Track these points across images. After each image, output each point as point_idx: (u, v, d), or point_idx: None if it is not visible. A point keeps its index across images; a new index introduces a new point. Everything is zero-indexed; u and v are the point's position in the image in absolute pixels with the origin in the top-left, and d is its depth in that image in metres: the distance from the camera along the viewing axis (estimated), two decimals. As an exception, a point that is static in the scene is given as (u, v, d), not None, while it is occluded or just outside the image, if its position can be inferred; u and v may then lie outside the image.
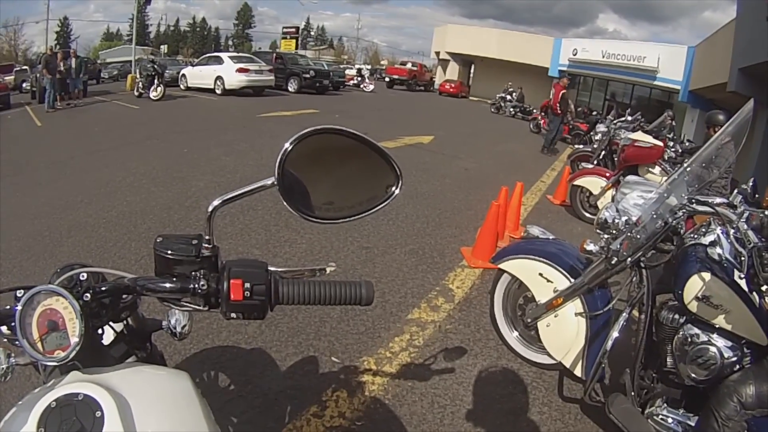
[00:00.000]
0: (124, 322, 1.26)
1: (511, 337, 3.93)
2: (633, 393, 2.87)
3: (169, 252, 1.11)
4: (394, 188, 1.17)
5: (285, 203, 1.08)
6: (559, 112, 14.33)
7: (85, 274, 1.08)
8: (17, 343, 1.06)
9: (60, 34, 60.49)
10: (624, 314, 2.96)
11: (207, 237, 1.11)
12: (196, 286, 1.08)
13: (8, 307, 1.07)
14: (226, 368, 3.33)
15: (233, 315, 1.09)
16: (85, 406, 0.90)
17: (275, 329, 3.92)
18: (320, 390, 3.26)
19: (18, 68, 35.53)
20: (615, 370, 3.15)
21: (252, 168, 8.97)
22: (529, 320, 3.59)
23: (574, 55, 38.16)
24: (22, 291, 1.04)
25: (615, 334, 2.92)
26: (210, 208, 1.09)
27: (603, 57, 35.99)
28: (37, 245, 6.04)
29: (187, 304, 1.13)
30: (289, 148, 1.07)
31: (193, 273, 1.10)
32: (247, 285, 1.06)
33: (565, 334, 3.35)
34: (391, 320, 4.20)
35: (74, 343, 1.00)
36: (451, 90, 40.09)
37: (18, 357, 1.15)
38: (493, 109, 28.60)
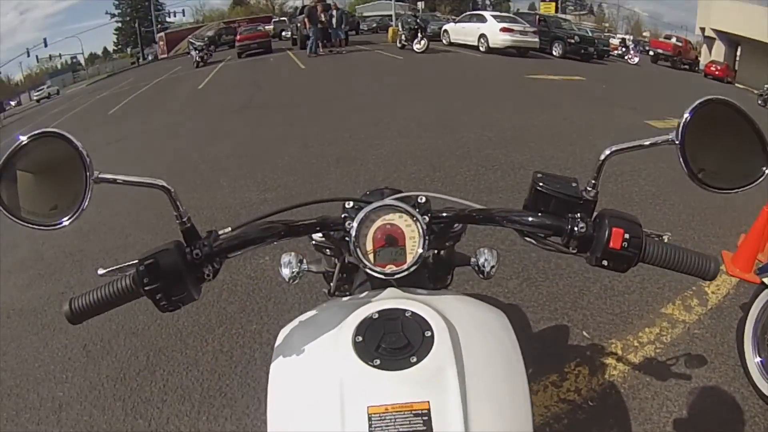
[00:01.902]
0: (436, 251, 1.28)
1: (753, 361, 3.43)
2: None
3: (554, 190, 1.06)
4: (765, 168, 1.00)
5: (680, 160, 0.97)
6: None
7: (424, 198, 1.10)
8: (327, 250, 1.26)
9: None
10: None
11: (593, 182, 1.04)
12: (575, 227, 1.03)
13: (322, 215, 1.11)
14: None
15: (604, 262, 1.02)
16: (413, 323, 0.90)
17: (536, 290, 3.91)
18: (564, 361, 3.24)
19: (276, 19, 39.65)
20: None
21: (521, 125, 8.62)
22: None
23: None
24: (351, 203, 1.09)
25: None
26: (602, 156, 1.01)
27: None
28: (304, 170, 6.50)
29: (553, 244, 1.08)
30: (689, 117, 0.96)
31: (570, 215, 1.05)
32: (627, 236, 1.00)
33: None
34: (646, 309, 3.97)
35: (413, 261, 1.04)
36: (717, 73, 36.06)
37: (311, 264, 1.33)
38: (760, 102, 25.36)
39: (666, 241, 1.12)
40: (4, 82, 50.78)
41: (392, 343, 0.87)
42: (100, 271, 1.03)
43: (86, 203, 0.91)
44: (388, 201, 1.05)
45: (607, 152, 1.01)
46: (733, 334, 3.75)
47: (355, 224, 1.03)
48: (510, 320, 1.07)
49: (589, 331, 3.57)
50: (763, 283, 3.36)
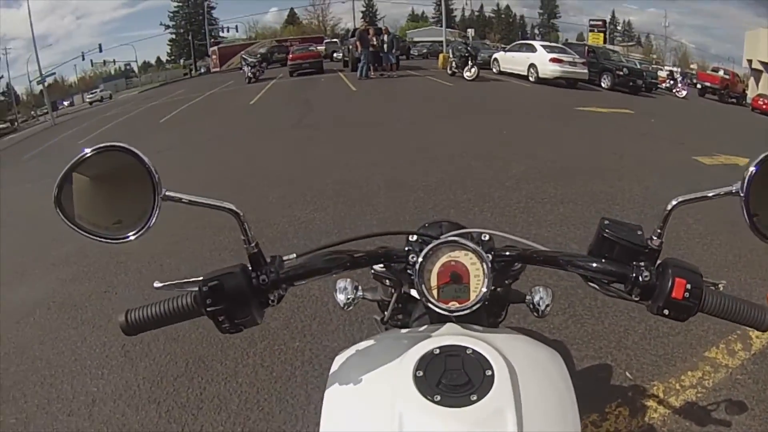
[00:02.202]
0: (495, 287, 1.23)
1: None
2: None
3: (620, 237, 1.07)
4: None
5: (744, 215, 1.00)
6: None
7: (487, 235, 1.13)
8: (386, 281, 1.24)
9: (366, 13, 65.37)
10: None
11: (659, 231, 1.05)
12: (640, 276, 1.03)
13: (383, 246, 1.15)
14: None
15: (665, 312, 1.03)
16: (474, 361, 0.90)
17: (580, 327, 3.89)
18: (606, 401, 3.19)
19: (328, 40, 40.23)
20: None
21: (571, 160, 8.59)
22: None
23: None
24: (415, 236, 1.13)
25: None
26: (668, 207, 1.02)
27: None
28: (353, 192, 6.60)
29: (615, 291, 1.09)
30: (755, 170, 0.98)
31: (634, 263, 1.05)
32: (688, 286, 1.01)
33: None
34: (690, 352, 3.90)
35: (476, 299, 1.05)
36: (765, 107, 35.52)
37: (366, 291, 1.33)
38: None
39: (721, 289, 1.13)
40: (58, 82, 52.07)
41: (453, 380, 0.87)
42: (157, 284, 1.06)
43: (153, 221, 0.93)
44: (454, 238, 1.07)
45: (674, 203, 1.03)
46: None
47: (420, 259, 1.06)
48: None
49: (632, 371, 3.54)
50: None
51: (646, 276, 1.04)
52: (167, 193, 0.93)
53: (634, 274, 1.04)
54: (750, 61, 44.07)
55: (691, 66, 65.25)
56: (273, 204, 6.52)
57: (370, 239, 1.20)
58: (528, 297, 1.31)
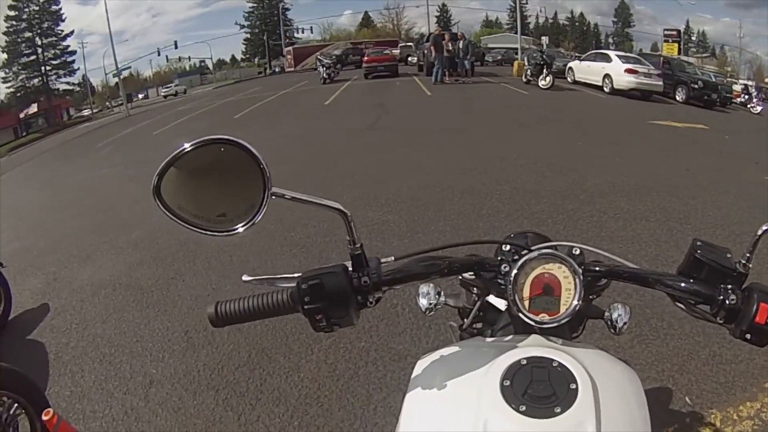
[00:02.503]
0: None
1: None
2: None
3: (710, 259, 1.08)
4: None
5: None
6: None
7: (578, 249, 1.12)
8: (474, 288, 1.24)
9: (440, 18, 65.34)
10: None
11: (748, 255, 1.06)
12: (726, 298, 1.05)
13: (474, 256, 1.15)
14: None
15: (747, 336, 1.04)
16: (560, 374, 0.91)
17: (645, 347, 3.83)
18: (664, 425, 3.10)
19: (402, 44, 40.45)
20: None
21: (643, 176, 8.49)
22: None
23: None
24: (508, 246, 1.14)
25: None
26: (759, 232, 1.03)
27: None
28: (427, 197, 6.65)
29: (701, 312, 1.10)
30: None
31: (721, 285, 1.06)
32: None
33: None
34: (750, 382, 3.77)
35: (567, 312, 1.05)
36: (840, 128, 34.16)
37: (449, 298, 1.30)
38: None
39: None
40: (133, 76, 54.18)
41: (539, 391, 0.88)
42: (246, 278, 1.11)
43: (261, 216, 0.93)
44: (549, 250, 1.09)
45: (765, 228, 1.03)
46: None
47: (515, 270, 1.06)
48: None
49: (692, 397, 3.48)
50: None
51: (732, 299, 1.05)
52: (275, 190, 0.93)
53: (721, 297, 1.06)
54: None
55: (766, 80, 62.70)
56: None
57: (457, 246, 1.24)
58: (606, 313, 1.28)
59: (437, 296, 1.27)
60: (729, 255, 1.10)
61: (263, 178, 0.92)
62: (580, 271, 1.07)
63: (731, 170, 9.59)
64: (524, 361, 0.93)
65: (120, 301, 4.70)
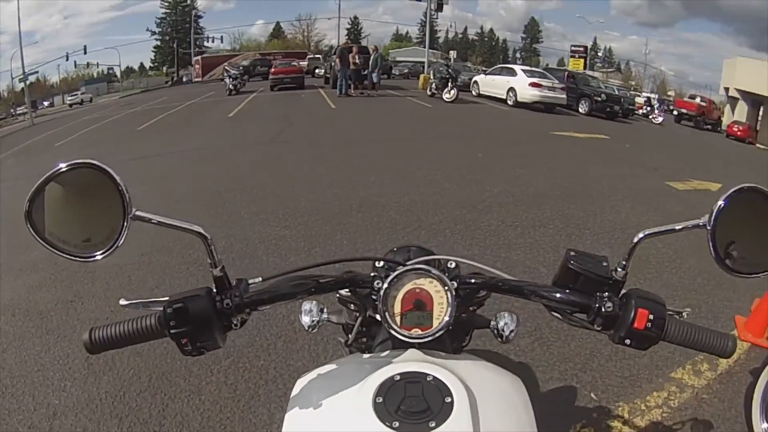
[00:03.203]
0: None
1: (760, 427, 3.43)
2: None
3: (584, 268, 1.08)
4: None
5: (710, 248, 1.02)
6: None
7: (453, 263, 1.13)
8: (351, 305, 1.25)
9: (351, 31, 66.32)
10: None
11: (624, 263, 1.07)
12: (603, 306, 1.05)
13: (349, 271, 1.14)
14: None
15: (626, 341, 1.05)
16: (434, 388, 0.90)
17: (546, 349, 3.91)
18: (571, 421, 3.19)
19: (311, 56, 40.35)
20: None
21: (545, 185, 8.69)
22: None
23: None
24: (382, 262, 1.12)
25: None
26: (635, 239, 1.04)
27: None
28: (326, 212, 6.51)
29: (578, 320, 1.11)
30: (723, 205, 1.02)
31: (598, 293, 1.07)
32: (651, 317, 1.04)
33: None
34: (655, 373, 3.95)
35: (439, 327, 1.05)
36: (739, 133, 35.90)
37: (332, 315, 1.30)
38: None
39: (685, 316, 1.17)
40: (40, 81, 51.96)
41: (413, 407, 0.87)
42: (123, 302, 1.05)
43: (122, 240, 0.92)
44: (419, 266, 1.07)
45: (641, 235, 1.04)
46: (742, 399, 3.78)
47: (384, 286, 1.05)
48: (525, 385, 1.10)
49: (598, 393, 3.56)
50: None
51: (609, 306, 1.05)
52: (137, 213, 0.91)
53: (596, 305, 1.06)
54: (727, 89, 45.26)
55: (669, 93, 66.61)
56: (245, 219, 6.47)
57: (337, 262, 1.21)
58: (493, 323, 1.30)
59: (320, 313, 1.27)
60: (605, 263, 1.10)
61: (123, 202, 0.91)
62: (452, 284, 1.06)
63: (631, 177, 9.97)
64: (398, 377, 0.92)
65: (20, 328, 4.43)
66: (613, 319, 1.06)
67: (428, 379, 0.92)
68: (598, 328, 1.08)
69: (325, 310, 1.29)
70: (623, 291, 1.08)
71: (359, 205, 6.92)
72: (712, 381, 4.04)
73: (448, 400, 0.88)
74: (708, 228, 1.01)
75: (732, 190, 1.02)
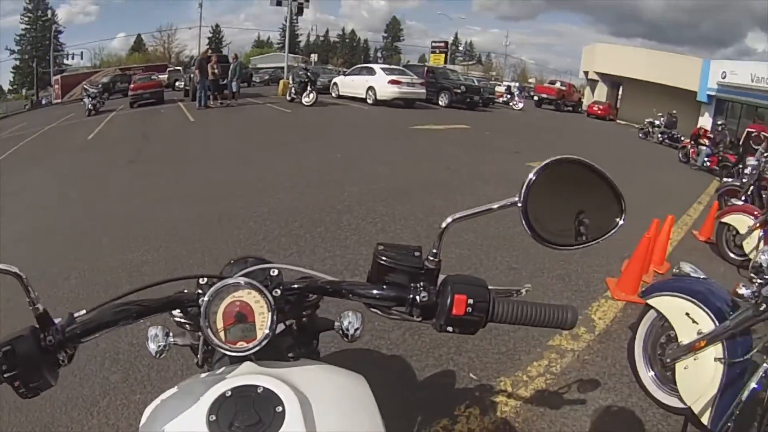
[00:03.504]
0: (296, 319, 1.27)
1: (646, 375, 3.73)
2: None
3: (392, 261, 1.09)
4: (618, 219, 1.12)
5: (523, 222, 1.04)
6: None
7: (276, 270, 1.11)
8: (187, 326, 1.20)
9: (212, 40, 64.90)
10: (764, 366, 2.77)
11: (435, 251, 1.09)
12: (418, 297, 1.07)
13: (183, 290, 1.12)
14: (363, 371, 3.15)
15: (449, 329, 1.07)
16: (264, 399, 0.90)
17: (419, 339, 3.93)
18: (454, 404, 3.24)
19: (171, 68, 38.84)
20: (742, 424, 2.91)
21: (406, 179, 8.90)
22: (668, 360, 3.42)
23: (723, 78, 34.87)
24: (205, 279, 1.09)
25: (752, 385, 2.74)
26: (443, 224, 1.05)
27: (752, 81, 32.70)
28: (187, 230, 6.34)
29: (398, 313, 1.11)
30: (534, 178, 1.04)
31: (413, 284, 1.08)
32: (470, 301, 1.05)
33: (700, 379, 3.19)
34: (533, 344, 4.13)
35: (263, 337, 1.04)
36: (599, 112, 38.55)
37: (176, 337, 1.24)
38: (641, 134, 26.99)
39: (524, 293, 1.21)
40: None
41: (245, 421, 0.87)
42: None
43: None
44: (234, 279, 1.05)
45: (449, 220, 1.06)
46: (624, 354, 3.95)
47: (204, 302, 1.03)
48: (369, 382, 1.11)
49: (476, 372, 3.63)
50: (647, 303, 3.63)
51: (424, 296, 1.06)
52: None
53: (411, 296, 1.07)
54: (586, 73, 48.58)
55: (530, 80, 69.68)
56: (106, 247, 6.14)
57: (165, 284, 1.17)
58: (337, 323, 1.29)
59: (166, 337, 1.21)
60: (418, 253, 1.11)
61: None
62: (275, 292, 1.06)
63: (492, 162, 10.36)
64: (229, 393, 0.92)
65: None
66: (432, 308, 1.07)
67: (258, 390, 0.92)
68: (419, 319, 1.09)
69: (170, 333, 1.24)
70: (441, 278, 1.10)
71: (218, 219, 6.79)
72: (592, 342, 4.25)
73: (279, 409, 0.88)
74: (519, 205, 1.03)
75: (542, 164, 1.05)
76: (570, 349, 4.12)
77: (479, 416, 3.15)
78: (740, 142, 15.04)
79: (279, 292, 1.08)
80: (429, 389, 3.42)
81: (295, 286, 1.13)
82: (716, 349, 3.12)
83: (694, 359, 3.22)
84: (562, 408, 3.39)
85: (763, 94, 31.51)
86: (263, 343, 1.04)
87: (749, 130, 14.42)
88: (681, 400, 3.28)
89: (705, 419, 3.05)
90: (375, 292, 1.10)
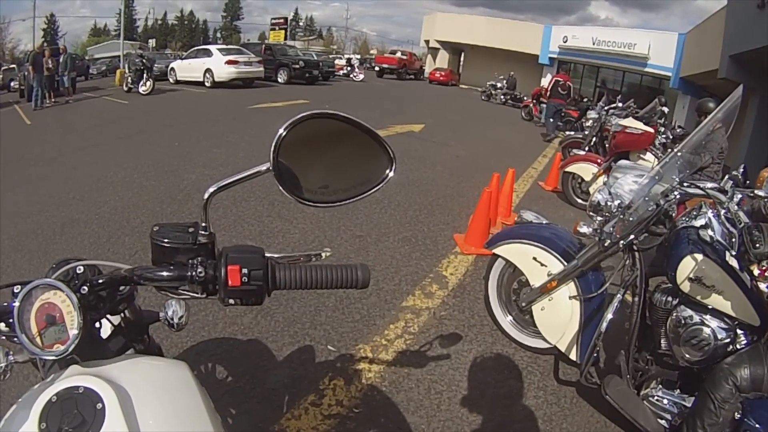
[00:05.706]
0: (122, 315, 1.25)
1: (506, 321, 3.95)
2: (628, 375, 2.90)
3: (166, 240, 1.11)
4: (388, 171, 1.17)
5: (280, 187, 1.09)
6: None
7: (81, 267, 1.09)
8: (15, 339, 1.05)
9: (47, 31, 60.30)
10: (618, 297, 2.97)
11: (203, 224, 1.11)
12: (194, 273, 1.09)
13: (5, 303, 1.05)
14: (222, 360, 3.37)
15: (231, 301, 1.09)
16: (85, 398, 0.90)
17: (271, 319, 3.93)
18: (317, 379, 3.28)
19: (5, 67, 35.42)
20: (610, 353, 3.21)
21: (243, 160, 8.92)
22: (523, 304, 3.60)
23: (565, 42, 38.03)
24: (19, 287, 1.02)
25: (609, 316, 2.93)
26: (206, 195, 1.09)
27: (593, 44, 36.00)
28: (30, 243, 6.00)
29: (185, 292, 1.14)
30: (284, 134, 1.07)
31: (190, 261, 1.10)
32: (245, 270, 1.06)
33: (559, 318, 3.37)
34: (386, 308, 4.21)
35: (73, 336, 1.00)
36: (441, 78, 40.11)
37: (17, 354, 1.13)
38: (483, 97, 28.51)
39: (324, 257, 1.24)
40: None
41: (71, 423, 0.86)
42: None
43: None
44: (38, 281, 1.01)
45: (211, 190, 1.08)
46: (482, 305, 4.08)
47: (15, 309, 0.99)
48: (191, 368, 1.12)
49: (334, 343, 3.69)
50: (494, 253, 3.76)
51: (200, 272, 1.09)
52: None
53: (190, 273, 1.09)
54: (428, 42, 49.82)
55: (372, 51, 70.30)
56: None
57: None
58: (162, 313, 1.31)
59: (6, 357, 1.09)
60: (192, 229, 1.13)
61: None
62: (71, 291, 1.01)
63: None
64: (54, 398, 0.90)
65: None
66: (213, 283, 1.09)
67: (79, 391, 0.90)
68: (203, 295, 1.12)
69: (11, 352, 1.12)
70: (218, 251, 1.12)
71: (61, 227, 6.47)
72: (446, 298, 4.39)
73: (99, 406, 0.89)
74: (272, 170, 1.07)
75: (287, 123, 1.08)
76: (425, 308, 4.25)
77: (345, 386, 3.22)
78: (548, 89, 16.28)
79: (87, 288, 1.05)
80: (290, 367, 3.42)
81: (100, 280, 1.10)
82: (569, 288, 3.34)
83: (549, 300, 3.43)
84: (428, 365, 3.52)
85: (602, 54, 35.13)
86: (76, 342, 1.00)
87: (556, 78, 15.67)
88: (545, 340, 3.49)
89: (572, 355, 3.29)
90: (158, 273, 1.10)
